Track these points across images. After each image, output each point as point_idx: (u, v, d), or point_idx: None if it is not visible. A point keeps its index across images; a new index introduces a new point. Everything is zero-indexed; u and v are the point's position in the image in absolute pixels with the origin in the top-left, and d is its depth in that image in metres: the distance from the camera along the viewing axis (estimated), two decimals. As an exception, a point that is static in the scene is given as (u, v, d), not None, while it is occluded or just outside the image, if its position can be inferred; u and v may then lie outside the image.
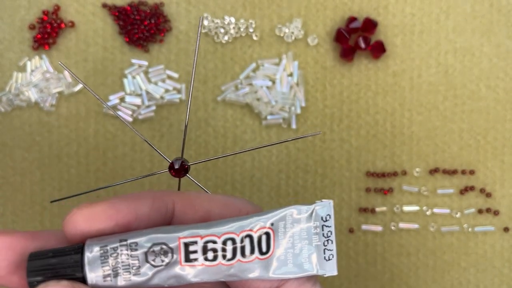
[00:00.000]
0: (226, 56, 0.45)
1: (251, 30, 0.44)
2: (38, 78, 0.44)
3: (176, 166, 0.30)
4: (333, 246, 0.23)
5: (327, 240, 0.23)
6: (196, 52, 0.29)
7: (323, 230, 0.23)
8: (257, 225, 0.23)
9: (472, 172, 0.45)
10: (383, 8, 0.44)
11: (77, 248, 0.22)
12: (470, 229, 0.45)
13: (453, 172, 0.44)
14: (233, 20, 0.44)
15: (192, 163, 0.30)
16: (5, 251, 0.23)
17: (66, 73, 0.45)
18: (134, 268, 0.22)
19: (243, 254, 0.23)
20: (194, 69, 0.29)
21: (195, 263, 0.23)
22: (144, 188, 0.45)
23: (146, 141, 0.30)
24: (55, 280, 0.22)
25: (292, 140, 0.34)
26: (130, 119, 0.45)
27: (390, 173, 0.45)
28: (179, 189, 0.30)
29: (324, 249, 0.23)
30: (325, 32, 0.45)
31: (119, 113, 0.45)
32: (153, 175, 0.35)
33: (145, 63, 0.45)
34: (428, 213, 0.45)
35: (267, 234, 0.23)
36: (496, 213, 0.44)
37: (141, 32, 0.44)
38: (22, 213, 0.45)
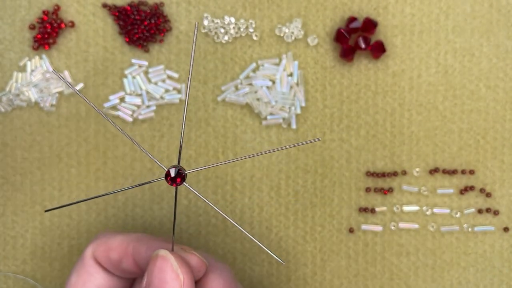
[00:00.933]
0: (226, 56, 0.45)
1: (251, 30, 0.44)
2: (38, 78, 0.44)
3: (173, 174, 0.29)
4: None
5: None
6: (192, 58, 0.29)
7: None
8: None
9: (472, 172, 0.45)
10: (383, 8, 0.44)
11: None
12: (469, 229, 0.45)
13: (453, 172, 0.45)
14: (233, 20, 0.44)
15: (189, 171, 0.30)
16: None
17: (65, 73, 0.45)
18: None
19: None
20: (190, 75, 0.29)
21: None
22: (144, 191, 0.45)
23: (143, 150, 0.29)
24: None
25: (292, 146, 0.33)
26: (130, 119, 0.45)
27: (390, 173, 0.45)
28: (176, 196, 0.30)
29: None
30: (325, 32, 0.45)
31: (119, 113, 0.45)
32: (149, 183, 0.34)
33: (145, 63, 0.45)
34: (428, 213, 0.45)
35: None
36: (496, 213, 0.45)
37: (141, 32, 0.44)
38: (22, 213, 0.45)
